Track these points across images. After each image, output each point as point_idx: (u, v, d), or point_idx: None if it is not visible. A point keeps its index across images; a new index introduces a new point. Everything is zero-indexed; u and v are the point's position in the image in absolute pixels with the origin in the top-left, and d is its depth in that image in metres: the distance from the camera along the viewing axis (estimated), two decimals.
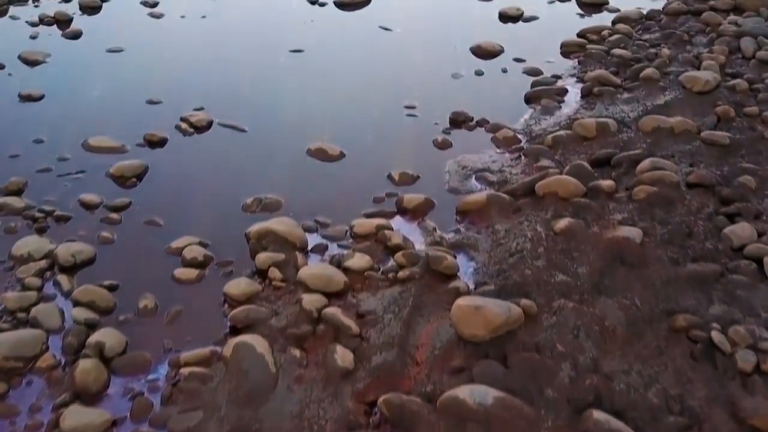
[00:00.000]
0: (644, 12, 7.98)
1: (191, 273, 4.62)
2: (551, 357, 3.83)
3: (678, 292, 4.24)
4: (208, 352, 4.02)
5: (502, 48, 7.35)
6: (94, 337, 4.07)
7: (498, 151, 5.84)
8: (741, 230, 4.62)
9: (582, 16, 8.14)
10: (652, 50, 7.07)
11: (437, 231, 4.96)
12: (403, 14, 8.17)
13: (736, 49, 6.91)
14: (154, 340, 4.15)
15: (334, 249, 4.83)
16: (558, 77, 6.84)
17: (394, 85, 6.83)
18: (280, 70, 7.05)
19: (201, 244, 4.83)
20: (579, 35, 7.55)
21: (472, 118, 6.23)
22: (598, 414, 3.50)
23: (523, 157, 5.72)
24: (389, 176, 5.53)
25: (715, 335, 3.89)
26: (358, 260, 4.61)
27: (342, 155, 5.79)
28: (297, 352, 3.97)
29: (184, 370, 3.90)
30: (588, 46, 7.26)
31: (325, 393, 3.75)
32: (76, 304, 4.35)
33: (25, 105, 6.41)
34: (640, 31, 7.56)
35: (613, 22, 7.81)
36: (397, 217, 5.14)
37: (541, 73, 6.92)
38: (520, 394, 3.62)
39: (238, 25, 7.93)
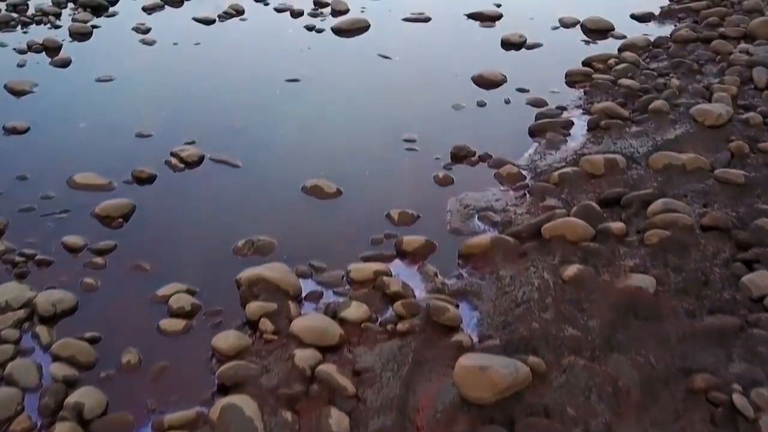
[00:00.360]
0: (651, 39, 7.73)
1: (178, 324, 4.36)
2: (562, 422, 3.57)
3: (695, 348, 3.98)
4: (194, 414, 3.76)
5: (505, 77, 7.10)
6: (73, 397, 3.80)
7: (502, 188, 5.59)
8: (760, 279, 4.36)
9: (587, 42, 7.89)
10: (661, 80, 6.82)
11: (438, 276, 4.70)
12: (402, 41, 7.92)
13: (748, 80, 6.65)
14: (137, 399, 3.88)
15: (329, 296, 4.57)
16: (563, 108, 6.59)
17: (394, 116, 6.58)
18: (275, 101, 6.81)
19: (189, 291, 4.57)
20: (584, 64, 7.30)
21: (474, 152, 5.98)
22: None
23: (528, 195, 5.46)
24: (388, 216, 5.28)
25: (737, 398, 3.62)
26: (355, 310, 4.35)
27: (339, 193, 5.54)
28: (288, 415, 3.71)
29: None
30: (594, 75, 7.02)
31: None
32: (56, 359, 4.09)
33: (9, 138, 6.16)
34: (648, 60, 7.31)
35: (620, 50, 7.56)
36: (397, 261, 4.88)
37: (546, 104, 6.67)
38: None
39: (233, 53, 7.68)
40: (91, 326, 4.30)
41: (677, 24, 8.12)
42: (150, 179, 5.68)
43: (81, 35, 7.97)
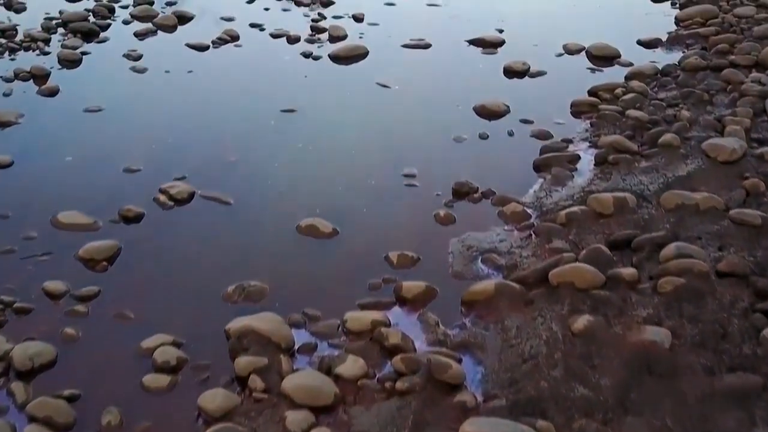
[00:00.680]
0: (659, 67, 7.47)
1: (162, 380, 4.10)
2: None
3: (715, 409, 3.73)
4: None
5: (508, 107, 6.84)
6: None
7: (506, 228, 5.34)
8: None
9: (593, 70, 7.64)
10: (670, 111, 6.57)
11: (440, 326, 4.46)
12: (401, 68, 7.67)
13: (761, 111, 6.40)
14: None
15: (324, 348, 4.33)
16: (569, 141, 6.33)
17: (393, 149, 6.34)
18: (269, 133, 6.56)
19: (175, 343, 4.32)
20: (590, 93, 7.05)
21: (477, 188, 5.73)
22: None
23: (533, 236, 5.21)
24: (386, 258, 5.03)
25: None
26: (351, 365, 4.10)
27: (335, 232, 5.29)
28: None
29: None
30: (600, 106, 6.76)
31: None
32: (32, 419, 3.84)
33: None
34: (656, 89, 7.05)
35: (627, 78, 7.30)
36: (396, 308, 4.64)
37: (551, 137, 6.42)
38: None
39: (226, 81, 7.43)
40: (71, 382, 4.06)
41: (685, 51, 7.86)
42: (137, 218, 5.43)
43: (70, 62, 7.71)
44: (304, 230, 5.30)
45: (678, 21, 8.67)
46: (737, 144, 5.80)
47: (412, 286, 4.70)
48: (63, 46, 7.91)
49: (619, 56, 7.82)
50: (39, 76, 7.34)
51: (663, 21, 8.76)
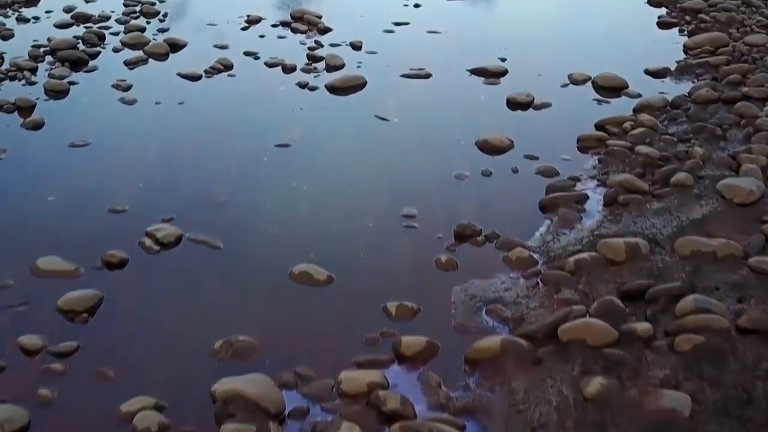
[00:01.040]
0: (669, 98, 7.17)
1: None
2: None
3: None
4: None
5: (512, 142, 6.55)
6: None
7: (511, 275, 5.03)
8: None
9: (599, 102, 7.35)
10: (682, 147, 6.28)
11: (442, 387, 4.15)
12: (400, 100, 7.39)
13: None
14: None
15: (317, 413, 4.02)
16: (576, 179, 6.04)
17: (391, 187, 6.05)
18: (262, 170, 6.28)
19: (157, 406, 4.02)
20: (597, 127, 6.76)
21: (480, 230, 5.43)
22: None
23: (541, 284, 4.91)
24: (384, 309, 4.72)
25: None
26: None
27: (330, 280, 4.99)
28: None
29: None
30: (609, 141, 6.46)
31: None
32: None
33: None
34: (666, 122, 6.77)
35: (635, 110, 7.02)
36: (394, 366, 4.33)
37: (557, 174, 6.13)
38: None
39: (219, 114, 7.14)
40: None
41: (695, 81, 7.57)
42: (121, 264, 5.13)
43: (57, 93, 7.42)
44: (297, 277, 5.00)
45: (687, 49, 8.40)
46: (754, 185, 5.51)
47: (411, 341, 4.40)
48: (50, 76, 7.61)
49: (627, 87, 7.53)
50: (24, 108, 7.05)
51: (671, 49, 8.50)
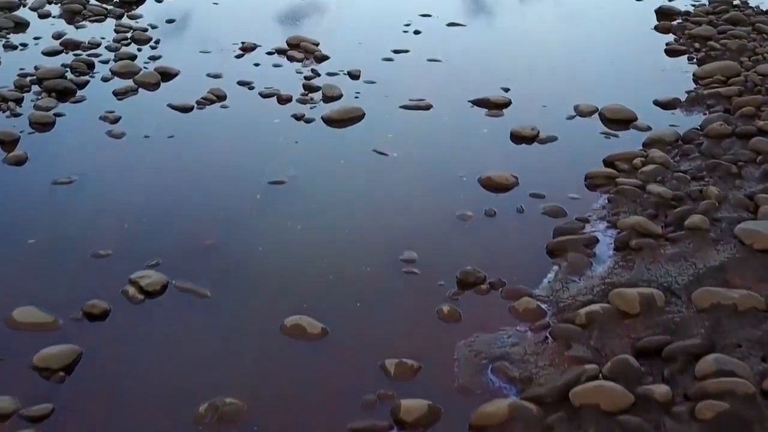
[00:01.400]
0: (680, 132, 6.86)
1: None
2: None
3: None
4: None
5: (516, 179, 6.25)
6: None
7: (518, 328, 4.73)
8: None
9: (607, 136, 7.04)
10: (695, 186, 5.97)
11: None
12: (400, 133, 7.08)
13: None
14: None
15: None
16: (585, 221, 5.72)
17: (390, 229, 5.75)
18: (254, 209, 5.96)
19: None
20: (606, 163, 6.46)
21: (485, 277, 5.12)
22: None
23: (550, 339, 4.60)
24: (382, 367, 4.40)
25: None
26: None
27: (324, 333, 4.68)
28: None
29: None
30: (618, 179, 6.15)
31: None
32: None
33: None
34: (678, 158, 6.46)
35: (645, 145, 6.71)
36: None
37: (565, 214, 5.82)
38: None
39: (210, 148, 6.83)
40: None
41: (707, 113, 7.26)
42: (102, 315, 4.84)
43: (42, 125, 7.11)
44: (289, 331, 4.70)
45: (697, 78, 8.10)
46: None
47: (412, 405, 4.10)
48: (36, 107, 7.31)
49: (635, 119, 7.23)
50: (7, 142, 6.74)
51: (680, 78, 8.20)
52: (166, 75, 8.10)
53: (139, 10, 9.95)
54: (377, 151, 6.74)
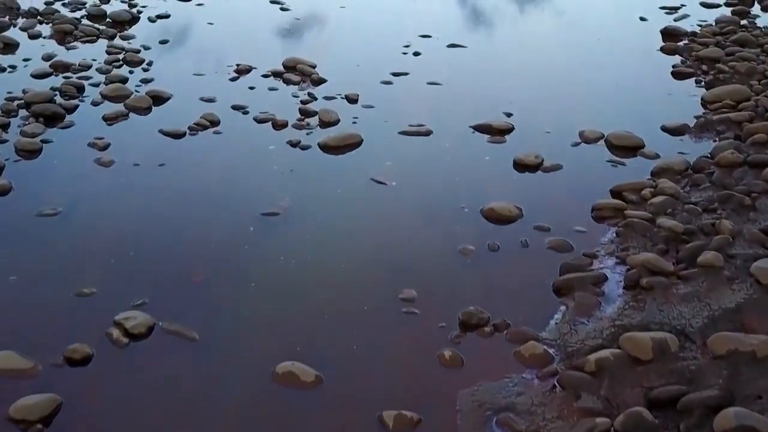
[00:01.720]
0: (690, 160, 6.60)
1: None
2: None
3: None
4: None
5: (520, 211, 6.00)
6: None
7: (524, 375, 4.49)
8: None
9: (614, 164, 6.78)
10: (707, 219, 5.71)
11: None
12: (399, 160, 6.83)
13: None
14: None
15: None
16: (593, 256, 5.48)
17: (389, 264, 5.51)
18: (247, 243, 5.71)
19: None
20: (614, 193, 6.20)
21: (488, 318, 4.88)
22: None
23: (558, 388, 4.33)
24: (380, 419, 4.17)
25: None
26: None
27: (318, 381, 4.44)
28: None
29: None
30: (627, 211, 5.90)
31: None
32: None
33: None
34: (689, 188, 6.21)
35: (653, 174, 6.45)
36: None
37: (571, 249, 5.58)
38: None
39: (202, 177, 6.57)
40: None
41: (717, 139, 7.00)
42: (84, 360, 4.60)
43: (28, 153, 6.86)
44: (281, 379, 4.46)
45: (705, 103, 7.83)
46: None
47: None
48: (22, 133, 7.06)
49: (643, 146, 6.97)
50: None
51: (688, 102, 7.94)
52: (158, 99, 7.85)
53: (132, 30, 9.68)
54: (375, 180, 6.49)
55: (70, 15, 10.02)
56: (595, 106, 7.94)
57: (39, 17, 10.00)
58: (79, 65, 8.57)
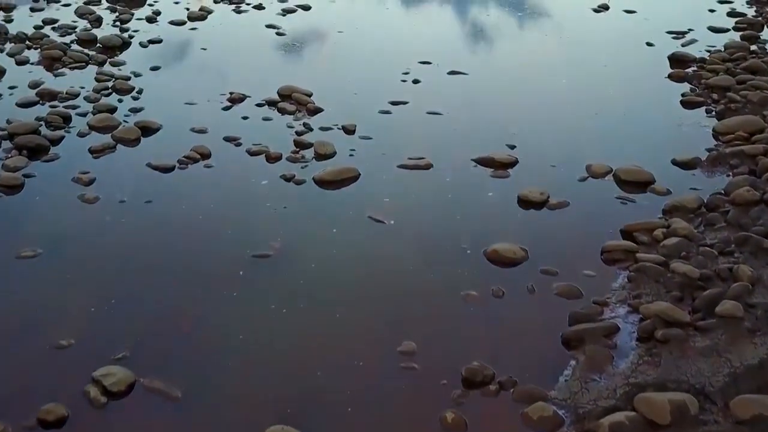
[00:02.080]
0: (703, 198, 6.26)
1: None
2: None
3: None
4: None
5: (526, 253, 5.68)
6: None
7: None
8: None
9: (623, 201, 6.45)
10: (724, 263, 5.39)
11: None
12: (397, 196, 6.51)
13: None
14: None
15: None
16: (603, 304, 5.17)
17: (387, 313, 5.21)
18: (236, 289, 5.40)
19: None
20: (624, 233, 5.88)
21: (493, 375, 4.58)
22: None
23: None
24: None
25: None
26: None
27: None
28: None
29: None
30: (638, 254, 5.58)
31: None
32: None
33: None
34: (702, 228, 5.89)
35: (665, 212, 6.14)
36: None
37: (581, 296, 5.27)
38: None
39: (190, 215, 6.26)
40: None
41: (730, 174, 6.68)
42: (59, 422, 4.34)
43: (9, 188, 6.56)
44: None
45: (717, 134, 7.50)
46: None
47: None
48: (4, 167, 6.76)
49: (653, 181, 6.65)
50: None
51: (699, 134, 7.61)
52: (148, 129, 7.54)
53: (123, 56, 9.37)
54: (373, 218, 6.18)
55: (60, 40, 9.69)
56: (602, 136, 7.63)
57: (28, 42, 9.66)
58: (66, 93, 8.26)
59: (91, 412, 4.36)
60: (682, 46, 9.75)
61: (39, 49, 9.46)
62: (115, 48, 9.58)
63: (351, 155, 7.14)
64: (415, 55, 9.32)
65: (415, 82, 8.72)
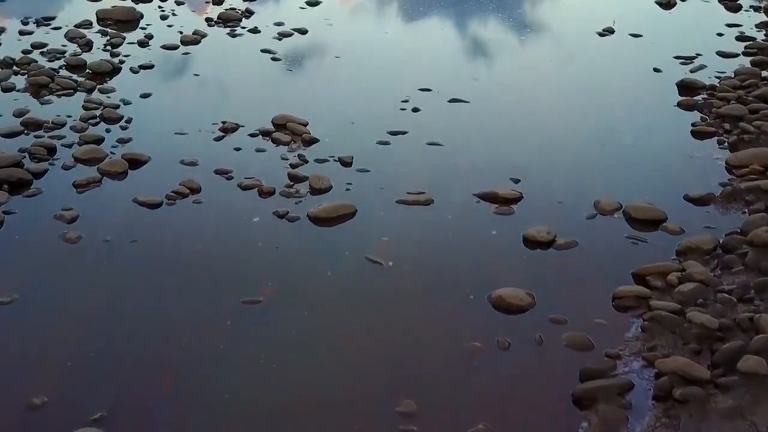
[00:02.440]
0: (719, 238, 5.93)
1: None
2: None
3: None
4: None
5: (533, 299, 5.35)
6: None
7: None
8: None
9: (634, 241, 6.11)
10: (744, 311, 5.07)
11: None
12: (396, 235, 6.18)
13: None
14: None
15: None
16: (616, 357, 4.85)
17: (385, 368, 4.89)
18: (223, 341, 5.08)
19: None
20: (636, 278, 5.55)
21: None
22: None
23: None
24: None
25: None
26: None
27: None
28: None
29: None
30: (652, 302, 5.22)
31: None
32: None
33: None
34: (719, 272, 5.55)
35: (679, 254, 5.80)
36: None
37: (592, 347, 4.95)
38: None
39: (177, 257, 5.94)
40: None
41: (746, 211, 6.34)
42: None
43: None
44: None
45: (730, 167, 7.15)
46: None
47: None
48: None
49: (665, 219, 6.31)
50: None
51: (711, 167, 7.27)
52: (135, 162, 7.20)
53: (113, 82, 9.02)
54: (370, 260, 5.85)
55: (48, 65, 9.34)
56: (609, 170, 7.30)
57: (15, 67, 9.32)
58: (52, 123, 7.92)
59: None
60: (691, 72, 9.41)
61: (26, 75, 9.09)
62: (104, 74, 9.24)
63: (348, 189, 6.81)
64: (414, 81, 8.96)
65: (415, 110, 8.37)
